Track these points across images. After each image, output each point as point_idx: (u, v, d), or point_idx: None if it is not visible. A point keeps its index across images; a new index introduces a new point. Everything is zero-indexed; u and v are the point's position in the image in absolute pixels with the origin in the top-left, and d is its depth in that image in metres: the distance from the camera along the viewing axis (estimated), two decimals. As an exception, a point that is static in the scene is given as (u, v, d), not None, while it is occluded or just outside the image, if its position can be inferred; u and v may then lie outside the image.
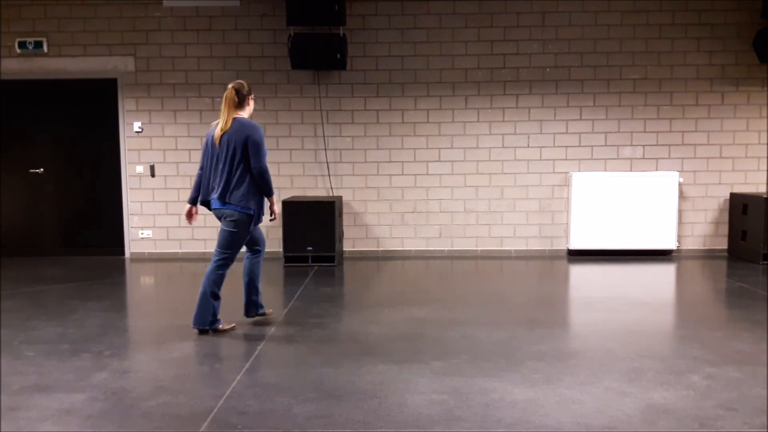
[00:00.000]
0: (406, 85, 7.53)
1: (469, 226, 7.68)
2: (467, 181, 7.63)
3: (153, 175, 7.66)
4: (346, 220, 7.65)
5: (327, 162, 7.60)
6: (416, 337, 4.33)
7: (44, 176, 7.78)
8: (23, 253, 7.83)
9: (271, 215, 4.58)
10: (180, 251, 7.74)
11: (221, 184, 4.31)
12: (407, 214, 7.68)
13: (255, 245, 4.65)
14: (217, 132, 4.33)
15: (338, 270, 6.82)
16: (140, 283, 6.38)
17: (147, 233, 7.73)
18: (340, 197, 7.46)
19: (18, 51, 7.49)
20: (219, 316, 4.48)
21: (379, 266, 7.09)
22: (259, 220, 4.44)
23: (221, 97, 7.42)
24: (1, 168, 7.76)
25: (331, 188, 7.62)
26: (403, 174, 7.63)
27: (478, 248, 7.70)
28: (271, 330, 4.53)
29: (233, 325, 4.60)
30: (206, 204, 4.47)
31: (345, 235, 7.66)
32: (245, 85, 4.39)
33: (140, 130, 7.62)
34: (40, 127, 7.73)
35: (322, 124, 7.57)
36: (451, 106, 7.55)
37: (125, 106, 7.60)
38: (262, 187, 4.33)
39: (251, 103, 4.47)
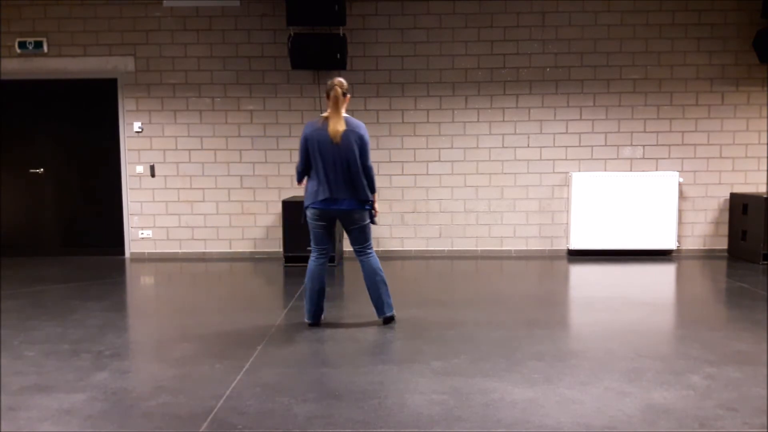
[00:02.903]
0: (406, 85, 7.53)
1: (469, 226, 7.68)
2: (467, 181, 7.63)
3: (153, 175, 7.66)
4: (346, 220, 7.64)
5: (327, 162, 7.59)
6: (416, 337, 4.33)
7: (44, 176, 7.79)
8: (23, 253, 7.84)
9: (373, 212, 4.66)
10: (180, 251, 7.74)
11: (351, 183, 4.39)
12: (407, 214, 7.68)
13: (327, 245, 4.61)
14: (334, 131, 4.35)
15: (338, 270, 6.81)
16: (140, 283, 6.38)
17: (147, 233, 7.73)
18: (340, 197, 7.45)
19: (18, 51, 7.49)
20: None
21: (379, 266, 7.08)
22: None
23: (221, 97, 7.54)
24: (1, 168, 7.76)
25: (331, 188, 7.61)
26: (403, 174, 7.63)
27: (478, 248, 7.70)
28: (271, 330, 4.53)
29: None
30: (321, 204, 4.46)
31: (345, 235, 7.65)
32: (345, 83, 4.47)
33: (140, 130, 7.62)
34: (40, 127, 7.73)
35: (322, 124, 7.56)
36: (451, 106, 7.55)
37: (125, 106, 7.60)
38: (370, 184, 4.48)
39: (348, 100, 4.56)
